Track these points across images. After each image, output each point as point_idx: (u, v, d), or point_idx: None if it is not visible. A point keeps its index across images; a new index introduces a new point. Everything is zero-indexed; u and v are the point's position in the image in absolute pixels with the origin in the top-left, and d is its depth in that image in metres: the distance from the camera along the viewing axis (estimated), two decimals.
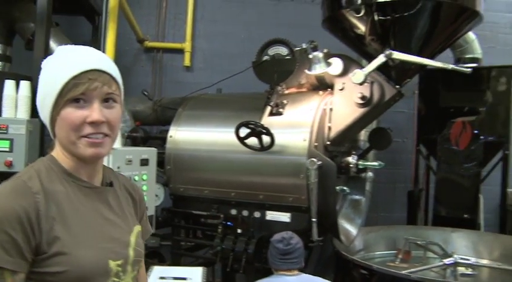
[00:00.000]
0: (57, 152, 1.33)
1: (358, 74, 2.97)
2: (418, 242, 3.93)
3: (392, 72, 3.25)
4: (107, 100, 1.28)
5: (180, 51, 5.72)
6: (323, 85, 3.47)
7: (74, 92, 1.24)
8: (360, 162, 3.40)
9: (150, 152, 3.37)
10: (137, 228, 1.44)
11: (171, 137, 3.67)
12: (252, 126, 3.05)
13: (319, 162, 2.96)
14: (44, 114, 1.30)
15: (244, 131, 3.11)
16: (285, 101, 3.33)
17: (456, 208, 4.77)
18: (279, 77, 3.31)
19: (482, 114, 4.78)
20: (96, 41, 5.07)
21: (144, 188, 3.27)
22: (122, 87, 1.36)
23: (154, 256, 4.13)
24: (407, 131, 5.78)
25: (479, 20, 3.37)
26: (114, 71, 1.32)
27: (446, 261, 3.43)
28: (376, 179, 5.84)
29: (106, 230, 1.32)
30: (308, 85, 3.55)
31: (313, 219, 2.98)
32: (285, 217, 3.21)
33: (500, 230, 4.98)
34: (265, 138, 3.08)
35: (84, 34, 5.17)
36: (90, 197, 1.32)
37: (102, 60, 1.32)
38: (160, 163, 3.70)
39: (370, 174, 3.58)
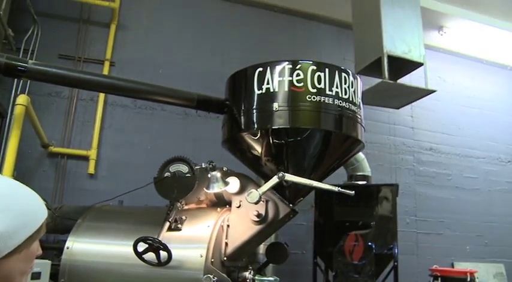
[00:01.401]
0: None
1: (253, 194, 3.17)
2: None
3: (286, 192, 3.50)
4: None
5: (85, 158, 5.72)
6: (221, 202, 3.64)
7: (44, 230, 1.39)
8: (257, 278, 3.49)
9: (43, 265, 3.26)
10: None
11: (67, 248, 3.58)
12: (149, 241, 3.09)
13: (215, 279, 3.03)
14: (9, 243, 1.28)
15: (142, 246, 3.14)
16: (183, 217, 3.43)
17: None
18: (178, 193, 3.43)
19: (373, 227, 5.16)
20: None
21: None
22: None
23: None
24: (307, 243, 6.04)
25: (362, 146, 3.80)
26: None
27: None
28: None
29: None
30: (207, 201, 3.70)
31: None
32: None
33: None
34: (163, 254, 3.11)
35: None
36: None
37: None
38: (54, 276, 3.56)
39: None
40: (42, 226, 1.39)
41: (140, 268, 3.24)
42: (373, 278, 4.98)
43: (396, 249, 5.22)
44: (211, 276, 3.00)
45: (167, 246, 3.09)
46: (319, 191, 5.41)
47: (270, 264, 4.83)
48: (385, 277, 5.31)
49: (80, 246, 3.58)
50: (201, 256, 3.16)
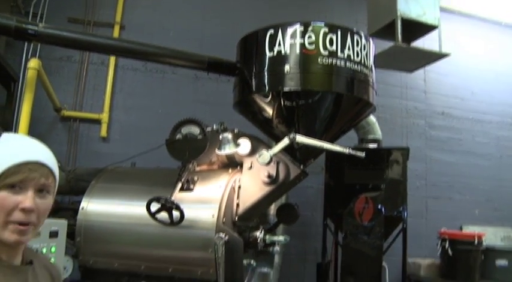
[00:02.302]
0: None
1: (264, 155, 3.20)
2: None
3: (297, 153, 3.53)
4: (41, 190, 1.40)
5: (97, 121, 5.76)
6: (233, 163, 3.68)
7: (12, 178, 1.35)
8: (267, 237, 3.57)
9: (60, 224, 3.34)
10: None
11: (82, 208, 3.68)
12: (162, 201, 3.15)
13: (226, 238, 3.09)
14: None
15: (155, 206, 3.20)
16: (195, 178, 3.49)
17: (362, 278, 5.01)
18: (190, 155, 3.47)
19: (383, 190, 5.18)
20: (10, 107, 5.05)
21: (52, 260, 3.22)
22: (57, 179, 1.48)
23: None
24: (316, 205, 6.09)
25: (373, 109, 3.80)
26: (53, 164, 1.46)
27: None
28: (288, 252, 6.05)
29: None
30: (219, 163, 3.74)
31: None
32: None
33: None
34: (175, 214, 3.18)
35: None
36: (9, 276, 1.39)
37: (44, 153, 1.46)
38: (71, 234, 3.67)
39: (277, 248, 3.74)
40: (3, 174, 1.35)
41: (153, 228, 3.33)
42: (382, 240, 5.04)
43: (405, 212, 5.26)
44: (222, 235, 3.07)
45: (179, 206, 3.15)
46: (329, 153, 5.42)
47: (281, 225, 4.93)
48: (393, 239, 5.36)
49: (95, 206, 3.67)
50: (213, 216, 3.23)
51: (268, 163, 3.24)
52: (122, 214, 3.57)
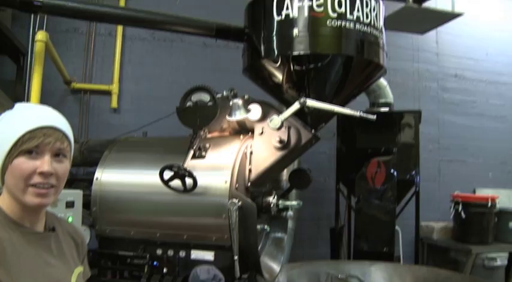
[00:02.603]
0: (3, 199, 1.42)
1: (275, 120, 3.19)
2: (339, 276, 4.14)
3: (308, 118, 3.51)
4: (57, 155, 1.42)
5: (107, 93, 5.78)
6: (244, 129, 3.67)
7: (28, 144, 1.37)
8: (280, 202, 3.58)
9: (75, 195, 3.39)
10: (78, 269, 1.55)
11: (97, 179, 3.71)
12: (175, 169, 3.16)
13: (240, 203, 3.11)
14: None
15: (168, 174, 3.22)
16: (207, 145, 3.49)
17: (375, 242, 5.06)
18: (201, 122, 3.46)
19: (396, 154, 5.17)
20: (20, 82, 5.06)
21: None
22: (72, 144, 1.49)
23: None
24: (329, 171, 6.11)
25: (384, 72, 3.74)
26: (67, 129, 1.48)
27: None
28: (301, 217, 6.08)
29: (47, 273, 1.42)
30: (230, 129, 3.74)
31: (235, 257, 3.10)
32: (209, 255, 3.31)
33: (415, 261, 5.32)
34: (188, 181, 3.20)
35: (7, 73, 5.13)
36: (33, 242, 1.43)
37: (57, 118, 1.48)
38: (86, 205, 3.71)
39: (290, 213, 3.75)
40: (18, 141, 1.38)
41: (167, 196, 3.35)
42: (394, 203, 5.05)
43: (418, 176, 5.26)
44: (236, 201, 3.08)
45: (192, 173, 3.16)
46: (341, 118, 5.42)
47: (294, 191, 4.94)
48: (406, 202, 5.38)
49: (109, 176, 3.70)
50: (226, 182, 3.24)
51: (279, 128, 3.23)
52: (136, 183, 3.60)
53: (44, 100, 5.82)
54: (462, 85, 7.18)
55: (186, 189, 3.22)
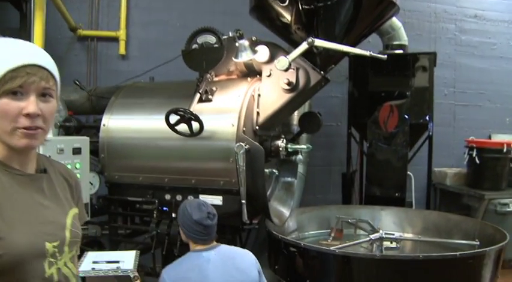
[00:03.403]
0: None
1: (282, 61, 3.08)
2: (349, 220, 4.14)
3: (317, 59, 3.38)
4: (43, 95, 1.34)
5: (115, 39, 5.65)
6: (252, 72, 3.57)
7: (11, 84, 1.28)
8: (289, 146, 3.53)
9: (82, 141, 3.38)
10: (73, 211, 1.51)
11: (104, 125, 3.68)
12: (181, 113, 3.11)
13: (247, 147, 3.06)
14: None
15: (174, 118, 3.17)
16: (214, 88, 3.41)
17: (387, 188, 5.03)
18: (207, 65, 3.38)
19: (409, 98, 5.04)
20: (24, 29, 4.95)
21: (78, 176, 3.27)
22: (59, 83, 1.42)
23: (94, 244, 4.14)
24: (342, 115, 6.00)
25: (396, 10, 3.58)
26: (52, 67, 1.39)
27: (373, 236, 3.63)
28: (313, 162, 6.08)
29: (41, 214, 1.38)
30: (237, 72, 3.64)
31: (243, 201, 3.08)
32: (217, 200, 3.30)
33: (427, 206, 5.30)
34: (195, 125, 3.15)
35: (10, 21, 5.03)
36: (24, 184, 1.38)
37: (41, 55, 1.38)
38: (95, 152, 3.72)
39: (300, 156, 3.71)
40: (2, 80, 1.29)
41: (174, 140, 3.32)
42: (407, 148, 4.98)
43: (431, 120, 5.14)
44: (243, 144, 3.04)
45: (198, 117, 3.11)
46: (353, 61, 5.28)
47: (305, 136, 4.90)
48: (419, 147, 5.29)
49: (115, 122, 3.67)
50: (233, 125, 3.19)
51: (287, 69, 3.13)
52: (143, 128, 3.57)
53: (50, 48, 5.73)
54: (482, 26, 6.89)
55: (192, 133, 3.18)
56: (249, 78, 3.50)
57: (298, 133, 4.01)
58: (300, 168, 4.98)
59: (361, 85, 5.28)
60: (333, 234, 4.15)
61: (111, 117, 3.69)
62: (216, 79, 3.57)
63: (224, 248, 2.66)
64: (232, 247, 2.73)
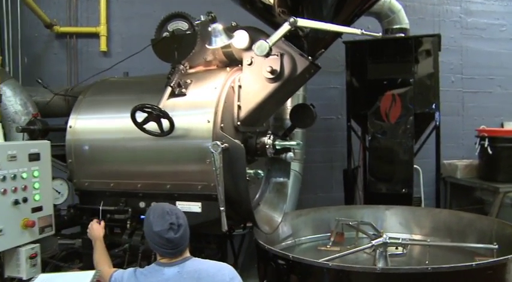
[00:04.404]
0: None
1: (261, 45, 2.67)
2: (350, 223, 3.73)
3: (304, 43, 2.98)
4: None
5: (95, 35, 5.33)
6: (233, 61, 3.18)
7: None
8: (277, 143, 3.12)
9: (41, 145, 3.02)
10: None
11: (70, 127, 3.31)
12: (148, 109, 2.73)
13: (225, 145, 2.67)
14: None
15: (142, 116, 2.79)
16: (188, 81, 3.03)
17: (392, 183, 4.64)
18: (179, 54, 3.00)
19: (412, 85, 4.61)
20: None
21: (36, 185, 2.91)
22: None
23: (74, 257, 3.78)
24: (342, 108, 5.62)
25: None
26: None
27: (375, 241, 3.22)
28: (312, 159, 5.71)
29: None
30: (217, 62, 3.24)
31: (221, 208, 2.69)
32: (195, 207, 2.92)
33: (436, 202, 4.88)
34: (165, 123, 2.77)
35: None
36: None
37: None
38: (63, 157, 3.35)
39: (291, 154, 3.30)
40: None
41: (145, 141, 2.95)
42: (412, 140, 4.57)
43: (438, 109, 4.71)
44: (219, 143, 2.64)
45: (167, 114, 2.73)
46: (350, 48, 4.87)
47: (301, 131, 4.50)
48: (425, 138, 4.86)
49: (83, 123, 3.31)
50: (208, 121, 2.80)
51: (268, 54, 2.72)
52: (111, 129, 3.19)
53: (28, 47, 5.42)
54: (489, 7, 6.45)
55: (163, 132, 2.80)
56: (228, 68, 3.11)
57: (290, 128, 3.61)
58: (296, 166, 4.59)
59: (359, 74, 4.87)
60: (332, 239, 3.76)
61: (78, 117, 3.32)
62: (192, 71, 3.19)
63: (192, 264, 2.26)
64: (205, 262, 2.31)
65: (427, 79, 4.67)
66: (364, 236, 3.66)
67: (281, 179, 3.66)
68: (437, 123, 4.69)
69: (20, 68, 5.39)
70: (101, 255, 2.78)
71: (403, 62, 4.64)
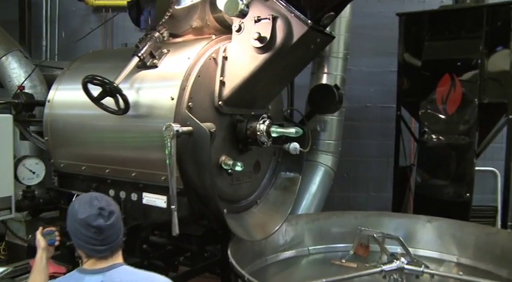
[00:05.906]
0: None
1: (232, 1, 2.08)
2: (374, 235, 3.00)
3: (306, 3, 2.33)
4: None
5: None
6: (228, 29, 2.60)
7: None
8: (273, 129, 2.50)
9: (1, 120, 2.67)
10: None
11: (48, 101, 2.95)
12: (97, 82, 2.26)
13: (185, 129, 2.13)
14: None
15: (98, 89, 2.33)
16: (165, 50, 2.51)
17: (445, 187, 3.82)
18: (153, 20, 2.50)
19: (479, 68, 3.72)
20: None
21: None
22: None
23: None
24: None
25: None
26: None
27: (387, 268, 2.51)
28: (366, 153, 5.00)
29: None
30: (210, 30, 2.68)
31: (172, 207, 2.16)
32: (160, 201, 2.42)
33: (502, 216, 3.95)
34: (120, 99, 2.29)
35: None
36: None
37: None
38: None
39: (294, 145, 2.66)
40: None
41: (111, 120, 2.49)
42: (474, 135, 3.70)
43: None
44: (174, 126, 2.10)
45: (119, 89, 2.26)
46: (404, 20, 4.07)
47: (336, 118, 3.82)
48: (493, 134, 3.93)
49: (61, 95, 2.94)
50: (172, 99, 2.26)
51: (243, 14, 2.13)
52: (83, 103, 2.71)
53: (65, 21, 5.27)
54: None
55: (119, 110, 2.32)
56: (213, 36, 2.54)
57: (309, 114, 2.97)
58: (328, 161, 3.93)
59: (414, 53, 4.04)
60: (352, 252, 3.08)
61: (58, 88, 2.95)
62: (179, 40, 2.67)
63: (118, 274, 1.76)
64: (135, 273, 1.80)
65: (501, 59, 3.74)
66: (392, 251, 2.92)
67: (291, 174, 3.02)
68: (510, 116, 3.76)
69: (56, 42, 5.28)
70: (35, 276, 2.09)
71: (470, 38, 3.75)
